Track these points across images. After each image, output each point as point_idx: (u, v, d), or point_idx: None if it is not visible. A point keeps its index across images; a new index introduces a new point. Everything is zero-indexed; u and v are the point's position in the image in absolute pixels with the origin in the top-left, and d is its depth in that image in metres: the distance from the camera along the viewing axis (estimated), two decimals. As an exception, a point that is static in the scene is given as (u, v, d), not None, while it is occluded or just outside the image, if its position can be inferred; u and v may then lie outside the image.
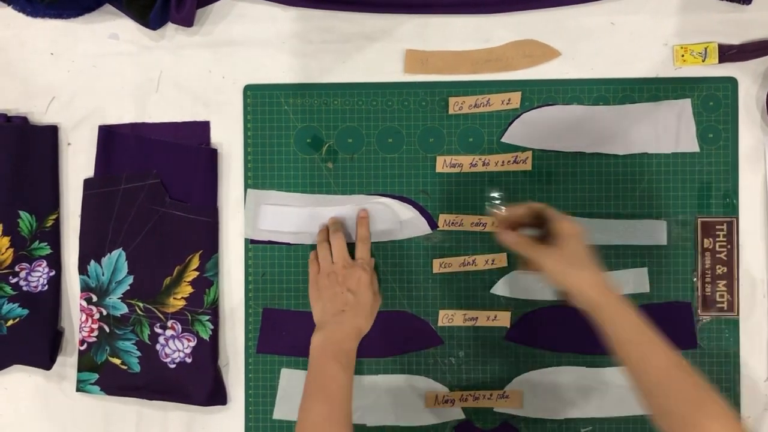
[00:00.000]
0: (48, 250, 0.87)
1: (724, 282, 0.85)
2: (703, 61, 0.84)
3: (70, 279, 0.88)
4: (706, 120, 0.85)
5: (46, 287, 0.87)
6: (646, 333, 0.67)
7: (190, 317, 0.86)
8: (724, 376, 0.85)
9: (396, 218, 0.85)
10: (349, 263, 0.81)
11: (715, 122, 0.84)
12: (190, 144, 0.86)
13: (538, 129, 0.85)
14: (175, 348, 0.86)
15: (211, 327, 0.86)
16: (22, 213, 0.86)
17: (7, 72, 0.88)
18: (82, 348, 0.87)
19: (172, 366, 0.86)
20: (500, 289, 0.85)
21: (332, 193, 0.86)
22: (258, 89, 0.86)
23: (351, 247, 0.84)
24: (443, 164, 0.86)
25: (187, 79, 0.87)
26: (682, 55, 0.84)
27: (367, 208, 0.85)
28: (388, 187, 0.86)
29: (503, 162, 0.85)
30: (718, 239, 0.85)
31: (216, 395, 0.86)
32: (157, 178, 0.86)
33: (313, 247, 0.85)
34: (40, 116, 0.88)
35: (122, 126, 0.87)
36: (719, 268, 0.85)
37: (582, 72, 0.85)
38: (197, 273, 0.86)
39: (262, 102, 0.86)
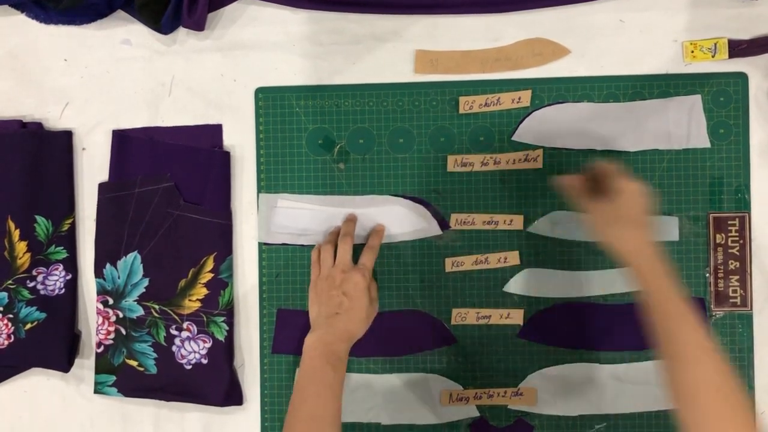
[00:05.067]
0: (64, 254, 0.88)
1: (737, 277, 0.85)
2: (713, 56, 0.84)
3: (86, 282, 0.89)
4: (716, 116, 0.85)
5: (63, 291, 0.88)
6: (677, 305, 0.66)
7: (205, 319, 0.87)
8: (738, 371, 0.85)
9: (412, 221, 0.86)
10: (349, 268, 0.81)
11: (726, 118, 0.85)
12: (203, 147, 0.87)
13: (548, 127, 0.85)
14: (191, 349, 0.87)
15: (227, 328, 0.86)
16: (38, 217, 0.87)
17: (21, 78, 0.89)
18: (99, 350, 0.88)
19: (188, 367, 0.87)
20: (513, 287, 0.86)
21: (344, 194, 0.87)
22: (269, 92, 0.87)
23: (357, 249, 0.84)
24: (454, 163, 0.86)
25: (200, 83, 0.88)
26: (692, 51, 0.84)
27: (383, 222, 0.86)
28: (400, 187, 0.86)
29: (514, 160, 0.86)
30: (730, 234, 0.85)
31: (232, 396, 0.87)
32: (170, 182, 0.86)
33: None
34: (55, 122, 0.89)
35: (136, 130, 0.88)
36: (732, 264, 0.85)
37: (592, 69, 0.85)
38: (212, 275, 0.86)
39: (273, 104, 0.87)
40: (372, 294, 0.82)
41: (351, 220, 0.85)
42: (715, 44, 0.84)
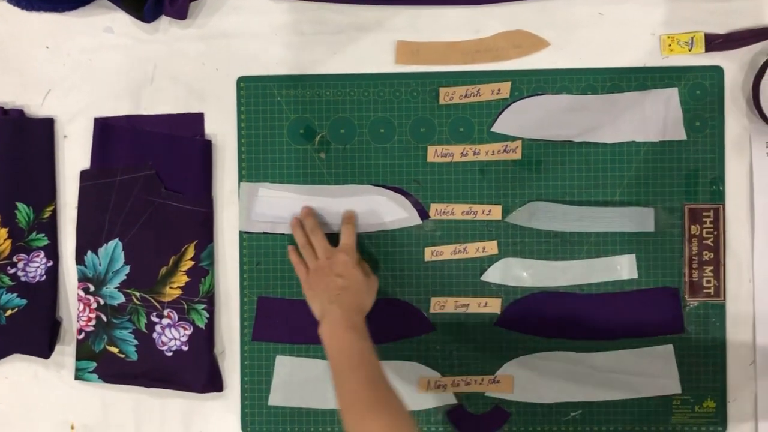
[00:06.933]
0: (45, 241, 0.88)
1: (711, 268, 0.86)
2: (690, 50, 0.85)
3: (67, 269, 0.89)
4: (693, 108, 0.86)
5: (44, 277, 0.88)
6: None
7: (186, 306, 0.87)
8: (711, 360, 0.86)
9: (392, 211, 0.87)
10: (331, 252, 0.82)
11: (702, 111, 0.86)
12: (184, 136, 0.87)
13: (527, 118, 0.86)
14: (172, 336, 0.87)
15: (207, 315, 0.87)
16: (19, 205, 0.87)
17: (3, 65, 0.89)
18: (80, 337, 0.88)
19: (169, 354, 0.87)
20: (491, 276, 0.87)
21: (325, 183, 0.87)
22: (251, 81, 0.87)
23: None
24: (434, 154, 0.87)
25: (182, 72, 0.88)
26: (669, 45, 0.85)
27: (363, 211, 0.87)
28: (380, 177, 0.87)
29: (493, 151, 0.87)
30: (705, 226, 0.86)
31: (212, 382, 0.88)
32: (152, 170, 0.87)
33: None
34: (37, 109, 0.89)
35: (118, 118, 0.88)
36: (706, 254, 0.86)
37: (571, 62, 0.86)
38: (193, 262, 0.87)
39: (255, 93, 0.87)
40: (364, 268, 0.83)
41: (309, 213, 0.86)
42: (692, 38, 0.85)
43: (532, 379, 0.87)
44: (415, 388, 0.87)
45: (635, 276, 0.86)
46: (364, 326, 0.78)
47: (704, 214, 0.86)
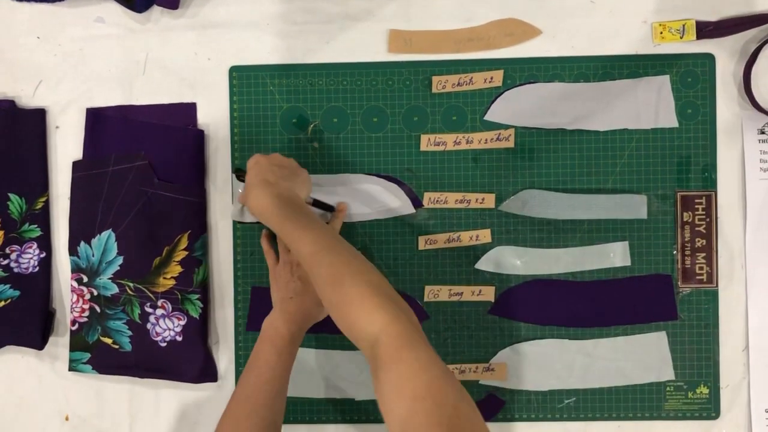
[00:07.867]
0: (38, 232, 0.88)
1: (704, 254, 0.86)
2: (681, 38, 0.85)
3: (60, 260, 0.89)
4: (684, 96, 0.86)
5: (37, 269, 0.88)
6: (294, 228, 0.72)
7: (179, 296, 0.87)
8: (704, 346, 0.86)
9: (386, 200, 0.87)
10: None
11: (694, 98, 0.86)
12: (177, 125, 0.87)
13: (520, 106, 0.86)
14: (166, 327, 0.87)
15: (201, 306, 0.87)
16: (11, 196, 0.87)
17: (-6, 56, 0.88)
18: (74, 328, 0.88)
19: (163, 344, 0.87)
20: (484, 264, 0.87)
21: (318, 173, 0.87)
22: (243, 70, 0.87)
23: (337, 225, 0.85)
24: (427, 142, 0.87)
25: (173, 62, 0.88)
26: (661, 32, 0.85)
27: (357, 201, 0.87)
28: (374, 166, 0.87)
29: (486, 140, 0.87)
30: (697, 213, 0.86)
31: (206, 373, 0.88)
32: (145, 160, 0.87)
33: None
34: (28, 100, 0.88)
35: (109, 109, 0.88)
36: (698, 241, 0.86)
37: (563, 50, 0.86)
38: (186, 253, 0.87)
39: (247, 83, 0.87)
40: None
41: None
42: (684, 25, 0.85)
43: (526, 367, 0.87)
44: (410, 377, 0.87)
45: (628, 263, 0.87)
46: (294, 338, 0.79)
47: (696, 201, 0.86)
